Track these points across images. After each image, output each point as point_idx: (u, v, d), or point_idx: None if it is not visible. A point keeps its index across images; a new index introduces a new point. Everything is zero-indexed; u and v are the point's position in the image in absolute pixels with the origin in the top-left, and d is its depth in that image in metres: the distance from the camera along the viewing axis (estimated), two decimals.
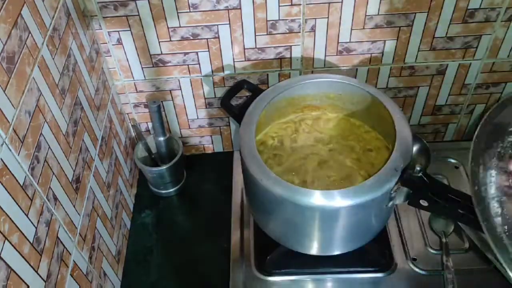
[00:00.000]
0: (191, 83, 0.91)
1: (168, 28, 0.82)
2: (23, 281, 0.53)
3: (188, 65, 0.88)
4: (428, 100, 0.96)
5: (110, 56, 0.86)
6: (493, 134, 0.64)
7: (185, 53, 0.86)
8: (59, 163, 0.64)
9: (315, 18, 0.81)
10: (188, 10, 0.79)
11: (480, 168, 0.61)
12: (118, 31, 0.82)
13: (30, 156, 0.56)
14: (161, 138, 0.95)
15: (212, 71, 0.89)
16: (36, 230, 0.57)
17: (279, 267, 0.82)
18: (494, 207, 0.59)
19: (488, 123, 0.64)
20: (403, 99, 0.96)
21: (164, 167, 0.93)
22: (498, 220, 0.58)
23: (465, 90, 0.94)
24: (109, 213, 0.83)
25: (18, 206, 0.53)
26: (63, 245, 0.64)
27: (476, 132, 0.63)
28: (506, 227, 0.57)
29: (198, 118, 0.98)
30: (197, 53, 0.86)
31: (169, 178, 0.97)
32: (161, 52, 0.85)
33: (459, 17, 0.82)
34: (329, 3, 0.79)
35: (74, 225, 0.68)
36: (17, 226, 0.52)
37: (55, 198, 0.62)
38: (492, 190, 0.60)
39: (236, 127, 1.00)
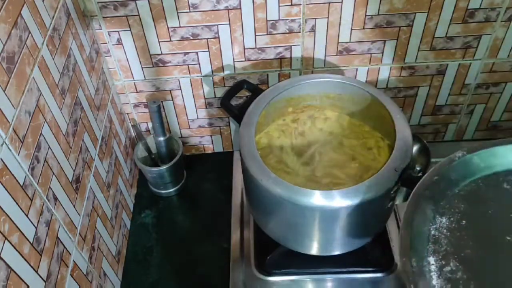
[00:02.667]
0: (191, 83, 0.91)
1: (168, 28, 0.82)
2: (23, 281, 0.53)
3: (188, 65, 0.88)
4: (428, 100, 0.96)
5: (110, 56, 0.86)
6: (421, 218, 0.59)
7: (185, 53, 0.86)
8: (59, 163, 0.64)
9: (315, 18, 0.81)
10: (188, 10, 0.79)
11: (413, 261, 0.55)
12: (118, 31, 0.82)
13: (30, 156, 0.56)
14: (161, 138, 0.95)
15: (212, 71, 0.89)
16: (36, 230, 0.57)
17: (279, 267, 0.82)
18: None
19: (413, 208, 0.59)
20: (403, 99, 0.96)
21: (164, 167, 0.93)
22: None
23: (465, 90, 0.94)
24: (109, 213, 0.83)
25: (18, 206, 0.53)
26: (63, 245, 0.64)
27: (401, 222, 0.58)
28: None
29: (198, 118, 0.98)
30: (197, 53, 0.86)
31: (169, 178, 0.97)
32: (161, 52, 0.85)
33: (459, 17, 0.82)
34: (329, 3, 0.79)
35: (74, 225, 0.68)
36: (17, 226, 0.52)
37: (55, 198, 0.62)
38: (434, 281, 0.54)
39: (236, 127, 1.00)
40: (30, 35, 0.59)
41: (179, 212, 0.99)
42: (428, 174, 0.62)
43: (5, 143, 0.51)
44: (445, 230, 0.58)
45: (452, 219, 0.59)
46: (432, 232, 0.58)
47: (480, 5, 0.80)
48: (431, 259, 0.56)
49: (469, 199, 0.61)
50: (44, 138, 0.60)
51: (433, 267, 0.56)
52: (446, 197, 0.61)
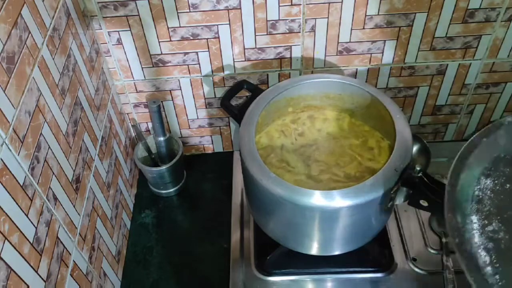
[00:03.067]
0: (191, 83, 0.91)
1: (168, 28, 0.82)
2: (23, 281, 0.53)
3: (188, 65, 0.88)
4: (428, 100, 0.96)
5: (110, 56, 0.86)
6: (466, 178, 0.59)
7: (185, 53, 0.86)
8: (59, 163, 0.64)
9: (315, 18, 0.81)
10: (188, 10, 0.79)
11: (458, 217, 0.56)
12: (118, 31, 0.82)
13: (30, 156, 0.56)
14: (161, 138, 0.95)
15: (212, 71, 0.89)
16: (36, 230, 0.57)
17: (279, 267, 0.82)
18: (482, 256, 0.53)
19: (459, 167, 0.59)
20: (403, 99, 0.96)
21: (164, 167, 0.93)
22: (488, 270, 0.53)
23: (465, 90, 0.94)
24: (109, 213, 0.83)
25: (18, 206, 0.53)
26: (63, 245, 0.64)
27: (448, 179, 0.58)
28: (497, 276, 0.52)
29: (198, 118, 0.98)
30: (197, 53, 0.86)
31: (169, 178, 0.97)
32: (161, 52, 0.85)
33: (459, 17, 0.82)
34: (329, 3, 0.79)
35: (74, 225, 0.68)
36: (17, 226, 0.52)
37: (55, 198, 0.62)
38: (476, 239, 0.55)
39: (236, 127, 1.00)
40: (30, 35, 0.59)
41: (179, 212, 0.99)
42: (478, 135, 0.62)
43: (5, 143, 0.51)
44: (489, 192, 0.58)
45: (496, 181, 0.59)
46: (476, 192, 0.58)
47: (480, 5, 0.80)
48: (474, 218, 0.56)
49: None
50: (44, 138, 0.60)
51: (475, 225, 0.55)
52: (492, 160, 0.61)
